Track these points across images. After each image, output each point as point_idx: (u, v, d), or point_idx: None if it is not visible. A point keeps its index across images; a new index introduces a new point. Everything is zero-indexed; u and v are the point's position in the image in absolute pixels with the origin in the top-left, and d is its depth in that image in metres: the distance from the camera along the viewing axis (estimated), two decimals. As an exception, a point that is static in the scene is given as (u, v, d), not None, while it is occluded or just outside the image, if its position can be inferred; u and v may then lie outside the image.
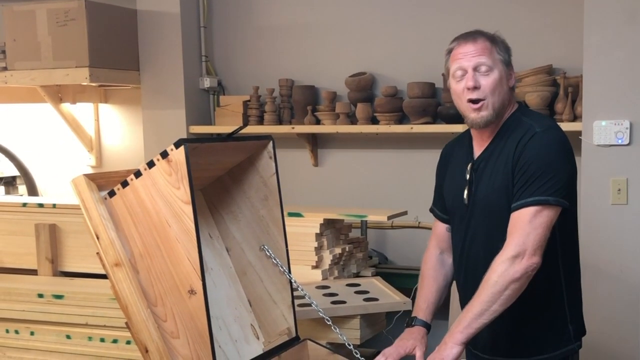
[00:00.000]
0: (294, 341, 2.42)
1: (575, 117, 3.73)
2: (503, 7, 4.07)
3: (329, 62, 4.51)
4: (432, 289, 2.43)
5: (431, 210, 2.54)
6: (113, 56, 4.47)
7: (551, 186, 2.10)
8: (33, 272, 3.43)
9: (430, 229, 2.62)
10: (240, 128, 2.34)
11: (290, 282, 2.42)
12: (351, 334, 2.94)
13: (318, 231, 3.41)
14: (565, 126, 3.53)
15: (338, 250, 3.49)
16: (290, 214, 3.40)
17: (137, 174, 2.03)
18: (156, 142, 4.59)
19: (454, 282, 2.49)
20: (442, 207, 2.47)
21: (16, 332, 3.17)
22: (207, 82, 4.71)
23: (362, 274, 3.68)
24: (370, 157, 4.47)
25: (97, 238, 2.05)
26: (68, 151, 5.25)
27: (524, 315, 2.21)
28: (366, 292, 3.21)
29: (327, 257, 3.43)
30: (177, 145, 1.95)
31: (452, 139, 2.54)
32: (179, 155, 1.95)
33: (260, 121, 4.54)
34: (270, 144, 2.38)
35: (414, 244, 4.28)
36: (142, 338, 2.05)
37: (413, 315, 2.40)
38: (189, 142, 1.96)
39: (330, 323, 2.43)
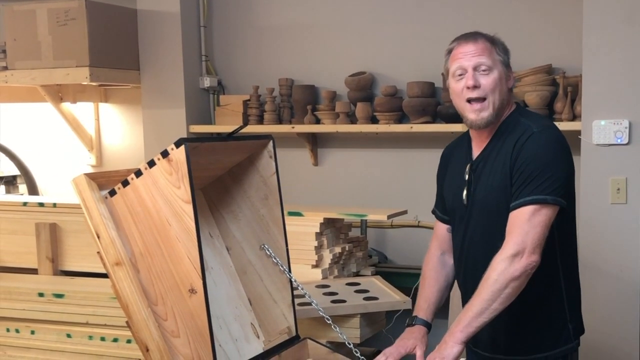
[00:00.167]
0: (294, 340, 2.42)
1: (575, 117, 3.74)
2: (503, 7, 4.07)
3: (328, 62, 4.51)
4: (433, 289, 2.44)
5: (433, 212, 2.56)
6: (113, 56, 4.47)
7: (549, 185, 2.11)
8: (34, 271, 3.43)
9: (430, 228, 2.63)
10: (241, 127, 2.34)
11: (291, 281, 2.42)
12: (351, 333, 2.94)
13: (318, 230, 3.41)
14: (565, 126, 3.55)
15: (338, 250, 3.49)
16: (290, 213, 3.41)
17: (138, 173, 2.04)
18: (156, 142, 4.59)
19: (455, 282, 2.50)
20: (443, 208, 2.48)
21: (17, 331, 3.18)
22: (207, 82, 4.71)
23: (362, 273, 3.68)
24: (370, 156, 4.47)
25: (98, 237, 2.06)
26: (68, 150, 5.26)
27: (524, 313, 2.22)
28: (366, 291, 3.21)
29: (327, 256, 3.43)
30: (177, 144, 1.96)
31: (451, 139, 2.55)
32: (179, 154, 1.95)
33: (260, 121, 4.55)
34: (271, 143, 2.39)
35: (413, 243, 4.28)
36: (143, 337, 2.05)
37: (414, 314, 2.41)
38: (190, 142, 1.97)
39: (330, 322, 2.44)
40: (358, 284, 3.34)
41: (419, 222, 4.26)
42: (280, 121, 4.53)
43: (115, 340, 3.03)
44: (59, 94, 4.95)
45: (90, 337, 3.07)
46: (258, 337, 2.41)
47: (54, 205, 3.46)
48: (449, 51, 2.28)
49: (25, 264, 3.45)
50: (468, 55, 2.21)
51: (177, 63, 4.60)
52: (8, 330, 3.19)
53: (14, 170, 5.20)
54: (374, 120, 4.28)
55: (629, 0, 3.36)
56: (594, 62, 3.45)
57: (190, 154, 1.95)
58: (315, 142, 4.58)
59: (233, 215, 2.47)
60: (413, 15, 4.30)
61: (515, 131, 2.21)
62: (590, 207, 3.46)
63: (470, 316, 2.09)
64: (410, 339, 2.31)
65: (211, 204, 2.49)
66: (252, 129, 4.33)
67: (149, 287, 2.06)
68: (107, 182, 2.12)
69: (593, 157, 3.46)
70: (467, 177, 2.31)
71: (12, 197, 4.63)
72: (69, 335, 3.10)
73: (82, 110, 5.12)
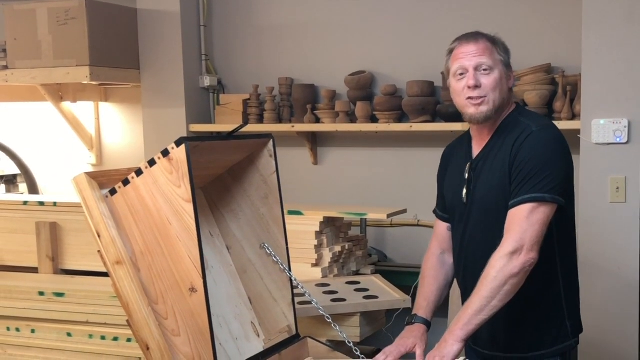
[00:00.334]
0: (294, 339, 2.43)
1: (574, 116, 3.74)
2: (502, 6, 4.08)
3: (328, 61, 4.51)
4: (433, 288, 2.45)
5: (434, 211, 2.57)
6: (113, 55, 4.48)
7: (547, 183, 2.12)
8: (34, 270, 3.44)
9: (429, 227, 2.64)
10: (241, 127, 2.35)
11: (291, 280, 2.43)
12: (351, 332, 2.95)
13: (318, 229, 3.42)
14: (564, 125, 3.56)
15: (338, 248, 3.50)
16: (290, 212, 3.41)
17: (138, 172, 2.04)
18: (156, 141, 4.60)
19: (455, 281, 2.51)
20: (443, 206, 2.50)
21: (17, 329, 3.18)
22: (207, 81, 4.72)
23: (361, 272, 3.69)
24: (370, 155, 4.48)
25: (99, 236, 2.06)
26: (68, 149, 5.26)
27: (523, 311, 2.23)
28: (366, 289, 3.21)
29: (327, 255, 3.44)
30: (178, 143, 1.96)
31: (450, 138, 2.56)
32: (180, 153, 1.95)
33: (260, 120, 4.55)
34: (271, 142, 2.39)
35: (413, 242, 4.29)
36: (143, 336, 2.05)
37: (413, 313, 2.41)
38: (190, 141, 1.97)
39: (331, 321, 2.45)
40: (358, 282, 3.35)
41: (418, 221, 4.27)
42: (280, 120, 4.54)
43: (115, 339, 3.04)
44: (59, 93, 4.95)
45: (91, 336, 3.08)
46: (258, 336, 2.42)
47: (55, 204, 3.47)
48: (450, 51, 2.29)
49: (26, 263, 3.46)
50: (469, 56, 2.22)
51: (177, 62, 4.60)
52: (8, 329, 3.19)
53: (14, 170, 5.20)
54: (373, 119, 4.29)
55: (628, 0, 3.36)
56: (593, 61, 3.45)
57: (190, 153, 1.95)
58: (315, 141, 4.58)
59: (233, 214, 2.47)
60: (413, 15, 4.31)
61: (515, 130, 2.23)
62: (590, 206, 3.46)
63: (470, 314, 2.10)
64: (410, 337, 2.32)
65: (211, 203, 2.49)
66: (252, 128, 4.33)
67: (150, 285, 2.07)
68: (108, 181, 2.12)
69: (592, 156, 3.46)
70: (467, 175, 2.32)
71: (13, 196, 4.64)
72: (69, 334, 3.11)
73: (82, 109, 5.13)
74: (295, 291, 2.47)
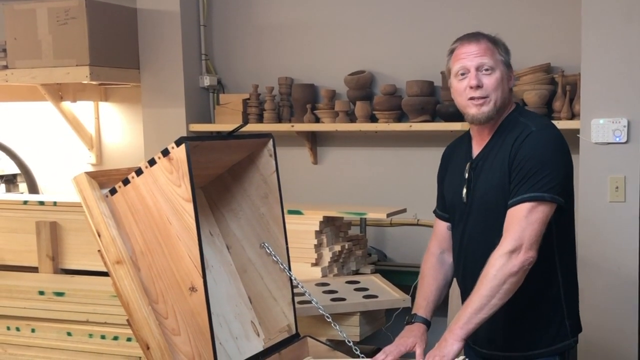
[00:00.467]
0: (294, 338, 2.43)
1: (573, 115, 3.75)
2: (501, 6, 4.08)
3: (328, 61, 4.52)
4: (432, 287, 2.45)
5: (434, 211, 2.57)
6: (113, 55, 4.48)
7: (546, 183, 2.13)
8: (34, 269, 3.44)
9: (429, 226, 2.65)
10: (241, 126, 2.35)
11: (290, 280, 2.43)
12: (351, 331, 2.95)
13: (318, 229, 3.42)
14: (563, 124, 3.56)
15: (337, 248, 3.50)
16: (290, 212, 3.42)
17: (138, 171, 2.04)
18: (156, 140, 4.60)
19: (454, 280, 2.51)
20: (443, 206, 2.50)
21: (17, 329, 3.19)
22: (206, 81, 4.72)
23: (361, 271, 3.69)
24: (369, 155, 4.48)
25: (99, 235, 2.06)
26: (68, 149, 5.26)
27: (522, 310, 2.24)
28: (365, 289, 3.22)
29: (327, 255, 3.44)
30: (178, 143, 1.97)
31: (450, 137, 2.57)
32: (180, 153, 1.96)
33: (260, 119, 4.55)
34: (271, 142, 2.40)
35: (413, 242, 4.29)
36: (143, 335, 2.06)
37: (413, 312, 2.42)
38: (190, 140, 1.98)
39: (330, 320, 2.45)
40: (357, 282, 3.35)
41: (418, 220, 4.27)
42: (279, 120, 4.54)
43: (115, 338, 3.04)
44: (59, 92, 4.96)
45: (91, 335, 3.08)
46: (258, 335, 2.42)
47: (55, 203, 3.47)
48: (451, 51, 2.30)
49: (26, 263, 3.46)
50: (471, 56, 2.23)
51: (177, 62, 4.61)
52: (8, 328, 3.20)
53: (14, 169, 5.21)
54: (373, 119, 4.29)
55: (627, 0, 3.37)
56: (592, 60, 3.46)
57: (190, 152, 1.95)
58: (315, 140, 4.59)
59: (233, 213, 2.48)
60: (412, 14, 4.31)
61: (515, 130, 2.24)
62: (589, 205, 3.47)
63: (470, 313, 2.10)
64: (410, 336, 2.32)
65: (211, 203, 2.50)
66: (252, 127, 4.34)
67: (150, 285, 2.07)
68: (108, 180, 2.13)
69: (592, 155, 3.47)
70: (467, 175, 2.33)
71: (13, 196, 4.63)
72: (69, 334, 3.11)
73: (82, 109, 5.13)
74: (295, 290, 2.47)
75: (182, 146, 1.95)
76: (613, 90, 3.43)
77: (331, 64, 4.50)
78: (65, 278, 3.35)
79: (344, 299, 3.04)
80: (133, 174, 2.06)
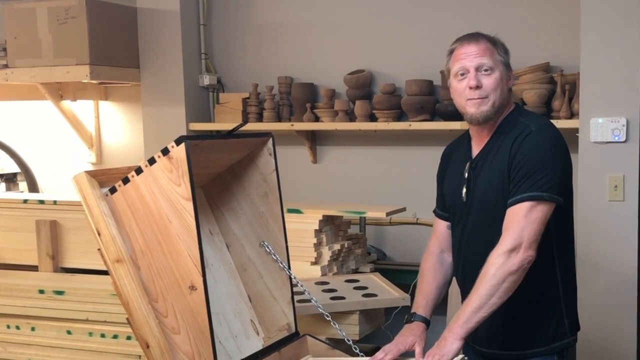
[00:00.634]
0: (293, 336, 2.44)
1: (572, 115, 3.75)
2: (501, 5, 4.08)
3: (327, 60, 4.52)
4: (432, 286, 2.46)
5: (434, 211, 2.58)
6: (113, 54, 4.48)
7: (546, 182, 2.14)
8: (34, 268, 3.45)
9: (428, 225, 2.65)
10: (241, 125, 2.35)
11: (290, 278, 2.44)
12: (350, 330, 2.96)
13: (317, 227, 3.42)
14: (562, 123, 3.56)
15: (337, 247, 3.50)
16: (290, 211, 3.42)
17: (138, 170, 2.05)
18: (156, 139, 4.60)
19: (453, 279, 2.52)
20: (443, 205, 2.51)
21: (17, 327, 3.19)
22: (206, 80, 4.72)
23: (360, 270, 3.69)
24: (369, 154, 4.48)
25: (99, 234, 2.07)
26: (68, 148, 5.26)
27: (521, 309, 2.24)
28: (365, 288, 3.22)
29: (326, 253, 3.45)
30: (178, 142, 1.97)
31: (449, 137, 2.58)
32: (179, 152, 1.96)
33: (260, 118, 4.56)
34: (270, 141, 2.40)
35: (412, 240, 4.30)
36: (143, 334, 2.06)
37: (412, 311, 2.42)
38: (190, 139, 1.98)
39: (330, 319, 2.46)
40: (357, 280, 3.36)
41: (417, 219, 4.28)
42: (279, 119, 4.54)
43: (115, 336, 3.05)
44: (59, 91, 4.96)
45: (91, 334, 3.09)
46: (258, 334, 2.43)
47: (54, 202, 3.48)
48: (451, 51, 2.31)
49: (26, 261, 3.47)
50: (470, 56, 2.24)
51: (177, 61, 4.61)
52: (8, 326, 3.20)
53: (14, 168, 5.21)
54: (372, 118, 4.29)
55: (626, -1, 3.38)
56: (591, 60, 3.46)
57: (190, 151, 1.96)
58: (315, 139, 4.59)
59: (233, 212, 2.48)
60: (412, 14, 4.31)
61: (514, 130, 2.25)
62: (588, 205, 3.47)
63: (469, 311, 2.11)
64: (409, 335, 2.33)
65: (211, 202, 2.50)
66: (252, 126, 4.34)
67: (150, 284, 2.07)
68: (108, 179, 2.13)
69: (591, 154, 3.47)
70: (466, 175, 2.33)
71: (13, 195, 4.63)
72: (69, 332, 3.12)
73: (82, 108, 5.13)
74: (295, 289, 2.48)
75: (182, 145, 1.96)
76: (612, 89, 3.43)
77: (331, 63, 4.50)
78: (65, 277, 3.36)
79: (343, 298, 3.04)
80: (133, 172, 2.06)
